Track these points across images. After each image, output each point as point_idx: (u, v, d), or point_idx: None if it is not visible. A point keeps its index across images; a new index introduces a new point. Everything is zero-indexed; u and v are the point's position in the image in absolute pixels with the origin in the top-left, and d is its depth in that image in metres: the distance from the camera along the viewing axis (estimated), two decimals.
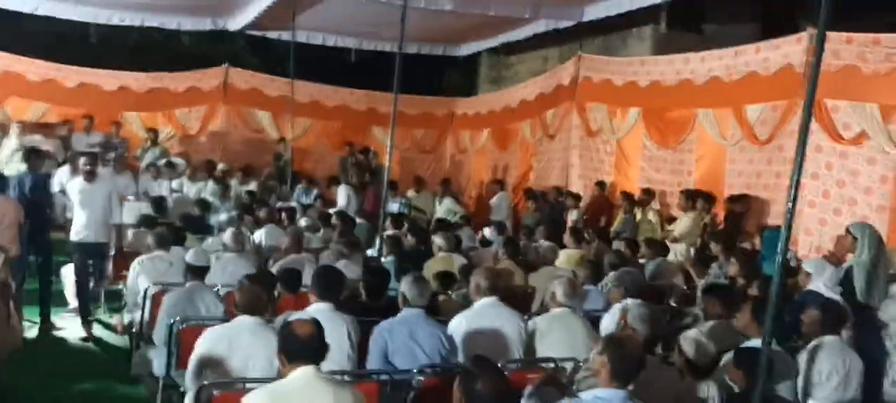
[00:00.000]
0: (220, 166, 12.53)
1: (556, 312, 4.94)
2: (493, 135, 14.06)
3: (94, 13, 12.49)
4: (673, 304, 6.31)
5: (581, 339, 4.79)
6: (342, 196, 11.92)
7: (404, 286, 4.52)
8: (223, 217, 8.95)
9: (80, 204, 7.34)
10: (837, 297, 4.84)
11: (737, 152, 9.10)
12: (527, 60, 14.85)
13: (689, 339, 3.98)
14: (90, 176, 7.44)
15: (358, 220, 10.03)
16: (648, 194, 9.97)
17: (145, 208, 9.45)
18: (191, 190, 11.79)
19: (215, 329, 4.09)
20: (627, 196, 10.12)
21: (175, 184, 11.68)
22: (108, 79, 13.51)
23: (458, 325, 4.67)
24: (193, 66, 14.29)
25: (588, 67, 11.66)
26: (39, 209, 7.62)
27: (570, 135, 11.92)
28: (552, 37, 12.52)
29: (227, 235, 6.85)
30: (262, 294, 4.07)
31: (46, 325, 7.38)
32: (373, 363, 4.39)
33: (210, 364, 3.89)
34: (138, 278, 6.35)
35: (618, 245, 8.08)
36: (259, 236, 8.52)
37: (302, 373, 3.05)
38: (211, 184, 11.80)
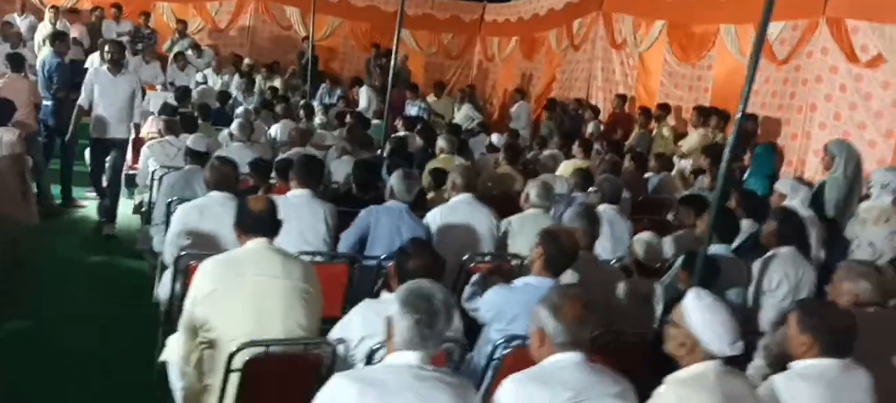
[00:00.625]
0: (246, 61, 12.72)
1: (529, 212, 5.08)
2: (521, 43, 13.95)
3: None
4: (669, 218, 6.43)
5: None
6: (364, 97, 12.08)
7: (393, 180, 4.69)
8: (240, 109, 9.18)
9: (101, 96, 7.05)
10: (811, 214, 4.90)
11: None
12: None
13: (641, 241, 4.13)
14: (115, 66, 7.16)
15: (375, 121, 10.21)
16: (664, 110, 9.89)
17: (170, 98, 9.73)
18: (216, 82, 12.06)
19: (189, 202, 4.36)
20: (644, 110, 10.08)
21: (200, 76, 11.95)
22: None
23: (434, 218, 4.86)
24: None
25: None
26: (62, 91, 7.98)
27: (594, 47, 11.80)
28: None
29: (235, 125, 7.09)
30: (230, 173, 4.33)
31: (66, 203, 7.80)
32: (347, 237, 4.61)
33: (185, 233, 4.17)
34: (148, 161, 6.69)
35: (628, 158, 8.15)
36: (274, 130, 8.77)
37: (254, 244, 3.27)
38: (236, 78, 12.07)
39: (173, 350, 3.38)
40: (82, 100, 7.06)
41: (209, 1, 14.09)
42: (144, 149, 6.86)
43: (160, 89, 11.15)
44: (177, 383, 3.33)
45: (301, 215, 4.51)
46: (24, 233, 6.08)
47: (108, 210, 7.22)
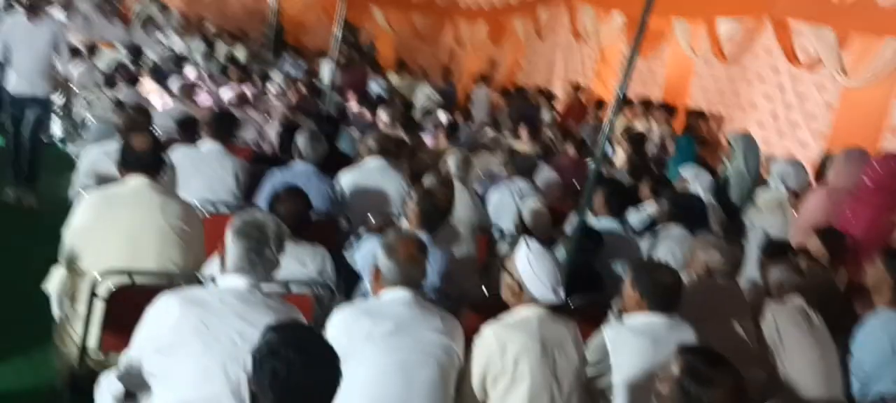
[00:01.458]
0: (210, 26, 12.76)
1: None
2: (490, 29, 14.05)
3: None
4: None
5: (466, 207, 5.10)
6: (326, 70, 12.13)
7: (299, 140, 4.79)
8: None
9: (17, 47, 6.08)
10: (711, 200, 5.05)
11: (703, 66, 9.13)
12: None
13: (530, 209, 4.27)
14: (33, 12, 6.12)
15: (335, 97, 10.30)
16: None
17: (123, 56, 9.77)
18: (179, 45, 12.10)
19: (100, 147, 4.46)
20: (599, 103, 10.24)
21: (163, 38, 11.99)
22: None
23: (346, 180, 4.98)
24: None
25: None
26: None
27: (556, 37, 11.92)
28: None
29: (175, 82, 7.18)
30: (141, 121, 4.43)
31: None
32: (258, 200, 4.71)
33: (92, 173, 4.28)
34: (84, 111, 6.78)
35: (568, 146, 8.30)
36: (223, 93, 8.83)
37: (134, 181, 3.36)
38: (198, 42, 12.11)
39: (53, 280, 3.47)
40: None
41: None
42: (81, 98, 6.93)
43: (120, 47, 11.17)
44: (55, 311, 3.43)
45: (210, 166, 4.62)
46: None
47: (28, 177, 6.27)
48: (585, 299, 3.50)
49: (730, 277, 3.30)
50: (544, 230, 4.24)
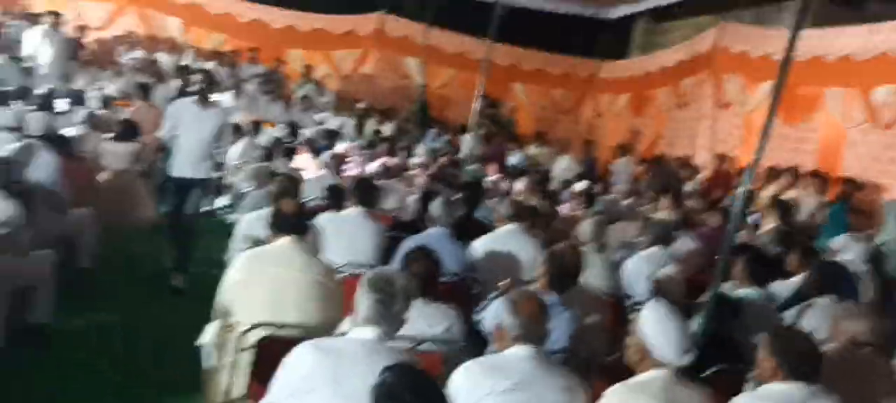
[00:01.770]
0: (360, 104, 13.51)
1: (581, 249, 5.21)
2: (631, 100, 13.98)
3: None
4: None
5: (599, 274, 5.07)
6: (466, 143, 12.48)
7: (433, 207, 4.99)
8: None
9: (185, 131, 6.08)
10: (865, 271, 4.73)
11: (857, 134, 8.64)
12: (680, 27, 14.49)
13: (664, 277, 4.18)
14: (203, 99, 6.11)
15: (470, 167, 10.58)
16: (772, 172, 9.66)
17: (281, 133, 10.53)
18: (333, 123, 12.89)
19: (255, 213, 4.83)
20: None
21: (318, 116, 12.81)
22: (278, 17, 14.88)
23: (480, 245, 5.09)
24: (358, 10, 15.38)
25: (729, 37, 11.33)
26: None
27: (701, 106, 11.68)
28: (708, 3, 12.25)
29: (327, 154, 7.67)
30: (291, 187, 4.77)
31: None
32: (394, 263, 4.91)
33: (247, 238, 4.63)
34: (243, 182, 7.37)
35: (712, 215, 8.06)
36: (371, 166, 9.30)
37: (282, 241, 3.64)
38: (351, 120, 12.85)
39: (207, 334, 3.77)
40: (164, 135, 6.29)
41: (335, 50, 15.08)
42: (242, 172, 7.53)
43: (280, 127, 12.04)
44: (205, 363, 3.72)
45: (352, 230, 4.89)
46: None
47: (180, 258, 6.24)
48: (721, 368, 3.37)
49: (881, 351, 3.07)
50: (677, 298, 4.12)
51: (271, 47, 14.54)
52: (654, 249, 5.26)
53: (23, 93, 8.55)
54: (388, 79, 15.22)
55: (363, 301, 2.56)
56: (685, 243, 6.44)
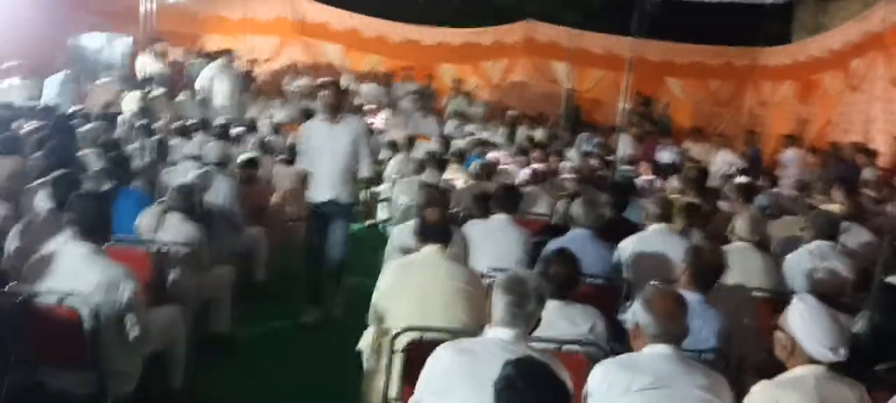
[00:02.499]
0: (510, 112, 13.64)
1: (737, 245, 5.03)
2: (795, 87, 13.15)
3: None
4: None
5: (757, 271, 4.86)
6: (621, 144, 12.26)
7: (573, 207, 5.00)
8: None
9: (317, 151, 5.71)
10: None
11: None
12: (846, 6, 13.49)
13: (826, 271, 3.95)
14: (332, 113, 5.66)
15: (624, 167, 10.41)
16: None
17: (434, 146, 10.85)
18: (485, 134, 13.11)
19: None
20: None
21: (470, 127, 13.07)
22: (428, 35, 15.40)
23: (626, 246, 5.03)
24: (507, 21, 15.60)
25: None
26: None
27: (874, 87, 10.80)
28: None
29: (475, 163, 7.84)
30: (434, 195, 4.94)
31: None
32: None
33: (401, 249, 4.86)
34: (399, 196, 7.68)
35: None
36: (522, 173, 9.39)
37: (427, 250, 3.81)
38: (502, 129, 13.02)
39: (364, 340, 4.02)
40: (301, 162, 5.90)
41: (484, 61, 15.34)
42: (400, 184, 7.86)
43: (434, 140, 12.42)
44: (365, 366, 3.96)
45: (498, 237, 5.00)
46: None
47: (315, 291, 5.93)
48: (890, 365, 3.15)
49: None
50: (838, 292, 3.88)
51: (423, 64, 15.07)
52: (818, 243, 4.96)
53: (202, 125, 9.42)
54: (537, 86, 15.26)
55: (497, 302, 2.66)
56: (858, 235, 6.02)
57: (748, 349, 3.60)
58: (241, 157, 7.83)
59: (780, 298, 4.70)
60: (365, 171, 5.94)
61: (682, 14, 14.33)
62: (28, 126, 8.12)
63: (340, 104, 5.80)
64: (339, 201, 5.72)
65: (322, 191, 5.71)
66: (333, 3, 15.39)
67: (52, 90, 11.28)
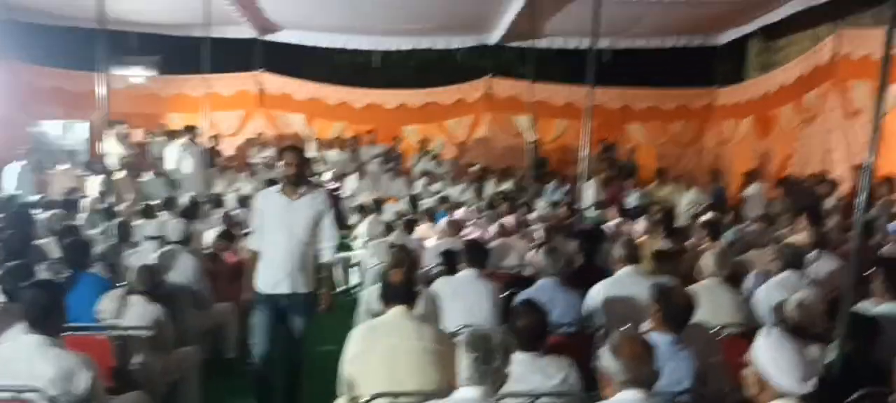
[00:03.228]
0: (476, 167, 13.73)
1: (705, 283, 5.03)
2: (754, 123, 13.41)
3: (377, 41, 14.58)
4: None
5: (727, 307, 4.85)
6: (589, 191, 12.35)
7: (538, 256, 4.99)
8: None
9: (270, 231, 4.85)
10: None
11: None
12: (796, 42, 13.89)
13: (797, 302, 3.95)
14: (292, 186, 4.84)
15: (594, 212, 10.48)
16: None
17: (403, 207, 10.86)
18: (453, 191, 13.16)
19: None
20: (887, 180, 9.20)
21: (437, 186, 13.11)
22: (390, 98, 15.55)
23: (598, 291, 5.01)
24: (467, 79, 15.81)
25: (849, 43, 10.74)
26: None
27: (829, 118, 11.04)
28: (822, 13, 11.69)
29: (443, 221, 7.82)
30: (400, 256, 4.90)
31: None
32: None
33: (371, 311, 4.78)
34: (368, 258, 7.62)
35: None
36: (491, 228, 9.39)
37: (393, 311, 3.75)
38: (469, 185, 13.07)
39: None
40: (251, 240, 5.02)
41: (448, 119, 15.48)
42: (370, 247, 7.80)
43: (401, 202, 12.41)
44: None
45: (466, 293, 4.95)
46: None
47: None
48: (863, 393, 3.14)
49: None
50: (813, 323, 3.87)
51: (388, 127, 15.17)
52: (786, 274, 5.01)
53: (167, 204, 9.32)
54: (501, 140, 15.40)
55: (462, 361, 2.60)
56: (825, 264, 6.08)
57: (722, 387, 3.56)
58: (210, 233, 7.76)
59: (751, 333, 4.71)
60: (327, 255, 4.94)
61: (636, 60, 14.69)
62: None
63: (302, 174, 4.87)
64: (296, 292, 4.79)
65: (275, 278, 4.77)
66: (295, 74, 15.50)
67: (11, 181, 11.13)
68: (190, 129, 12.96)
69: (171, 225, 7.01)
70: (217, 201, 10.68)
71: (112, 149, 12.67)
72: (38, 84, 14.40)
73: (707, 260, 5.06)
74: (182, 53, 14.34)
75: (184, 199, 9.87)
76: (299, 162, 4.84)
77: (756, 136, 13.39)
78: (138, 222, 8.35)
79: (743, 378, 2.62)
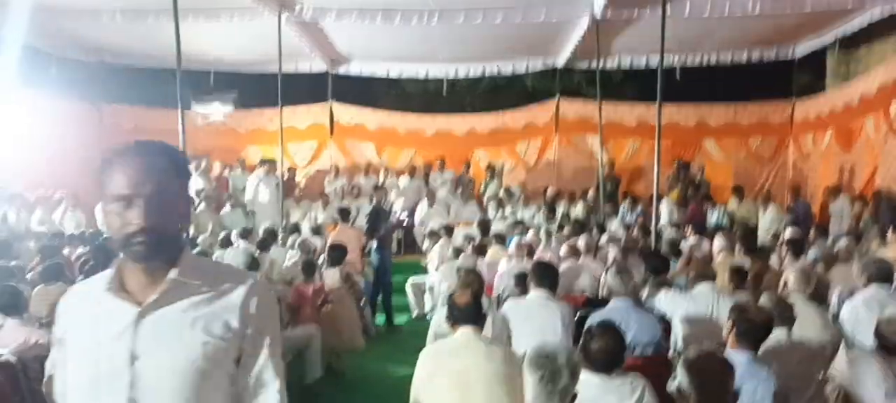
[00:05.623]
0: (549, 190, 13.62)
1: (790, 300, 4.84)
2: (836, 135, 12.88)
3: (445, 68, 14.70)
4: None
5: (811, 323, 4.65)
6: (664, 210, 12.09)
7: (609, 278, 4.90)
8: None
9: None
10: None
11: None
12: (876, 50, 13.32)
13: (888, 318, 3.74)
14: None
15: (671, 233, 10.22)
16: None
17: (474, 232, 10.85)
18: (525, 214, 13.10)
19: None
20: None
21: (509, 210, 13.07)
22: (459, 124, 15.59)
23: (675, 308, 4.89)
24: (536, 102, 15.75)
25: None
26: (378, 233, 9.38)
27: None
28: None
29: (513, 244, 7.78)
30: (468, 279, 4.86)
31: (389, 327, 9.06)
32: None
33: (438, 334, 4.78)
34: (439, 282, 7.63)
35: None
36: (561, 249, 9.28)
37: (461, 333, 3.74)
38: (541, 208, 12.98)
39: None
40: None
41: (517, 143, 15.43)
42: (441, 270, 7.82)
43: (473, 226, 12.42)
44: None
45: (536, 315, 4.90)
46: (349, 354, 7.32)
47: None
48: None
49: None
50: None
51: (458, 152, 15.20)
52: (872, 289, 4.76)
53: (244, 235, 9.57)
54: (572, 162, 15.23)
55: (528, 381, 2.57)
56: None
57: None
58: (289, 259, 7.93)
59: (835, 349, 4.50)
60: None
61: (710, 75, 14.35)
62: (76, 252, 8.38)
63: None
64: None
65: None
66: (365, 103, 15.77)
67: (100, 217, 11.68)
68: (266, 162, 13.33)
69: (235, 253, 7.10)
70: (294, 229, 10.93)
71: (194, 183, 13.14)
72: (120, 123, 15.09)
73: (792, 278, 4.89)
74: (257, 88, 14.80)
75: (263, 227, 10.15)
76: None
77: (840, 149, 12.84)
78: (217, 253, 8.60)
79: (826, 396, 2.49)
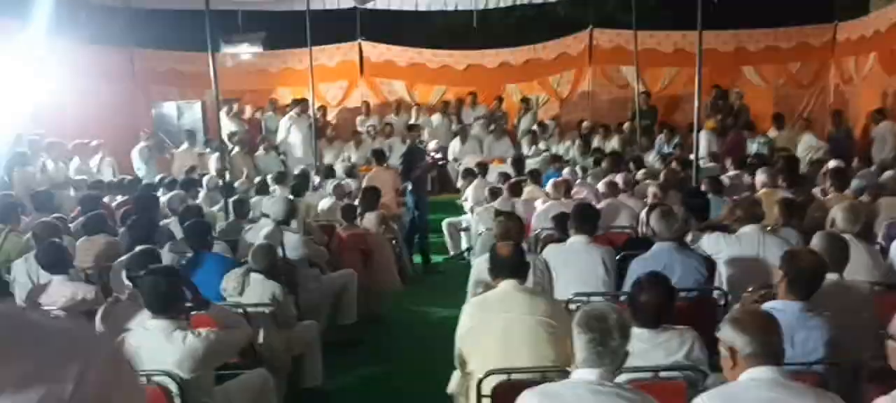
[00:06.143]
0: (585, 123, 13.40)
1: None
2: (880, 58, 12.41)
3: (474, 0, 14.40)
4: None
5: (863, 265, 4.54)
6: (702, 141, 11.83)
7: (653, 220, 4.80)
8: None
9: None
10: None
11: None
12: None
13: None
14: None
15: (709, 164, 10.04)
16: None
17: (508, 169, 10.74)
18: (559, 149, 12.95)
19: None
20: None
21: (543, 145, 12.92)
22: (491, 58, 15.30)
23: (719, 250, 4.80)
24: (569, 32, 15.37)
25: None
26: (413, 173, 9.30)
27: None
28: None
29: (549, 184, 7.69)
30: (509, 224, 4.79)
31: (427, 267, 9.09)
32: (625, 287, 4.77)
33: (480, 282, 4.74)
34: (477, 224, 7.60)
35: None
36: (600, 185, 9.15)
37: (503, 285, 3.70)
38: (576, 142, 12.81)
39: (452, 383, 3.92)
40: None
41: (550, 75, 15.14)
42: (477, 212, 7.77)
43: (508, 162, 12.30)
44: None
45: (579, 259, 4.84)
46: (388, 295, 7.37)
47: None
48: None
49: None
50: None
51: (490, 87, 14.98)
52: None
53: (279, 179, 9.60)
54: (607, 93, 14.93)
55: (578, 342, 2.52)
56: None
57: (864, 354, 3.31)
58: (325, 202, 7.93)
59: (890, 290, 4.38)
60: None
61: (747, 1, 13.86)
62: (116, 201, 8.48)
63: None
64: None
65: None
66: (395, 41, 15.54)
67: (138, 162, 11.82)
68: (297, 102, 13.29)
69: (272, 203, 7.03)
70: (328, 172, 10.91)
71: (226, 126, 13.16)
72: (153, 67, 15.11)
73: (839, 216, 4.73)
74: (286, 27, 14.64)
75: (297, 170, 10.16)
76: None
77: (884, 72, 12.39)
78: (255, 199, 8.62)
79: (888, 350, 2.41)
